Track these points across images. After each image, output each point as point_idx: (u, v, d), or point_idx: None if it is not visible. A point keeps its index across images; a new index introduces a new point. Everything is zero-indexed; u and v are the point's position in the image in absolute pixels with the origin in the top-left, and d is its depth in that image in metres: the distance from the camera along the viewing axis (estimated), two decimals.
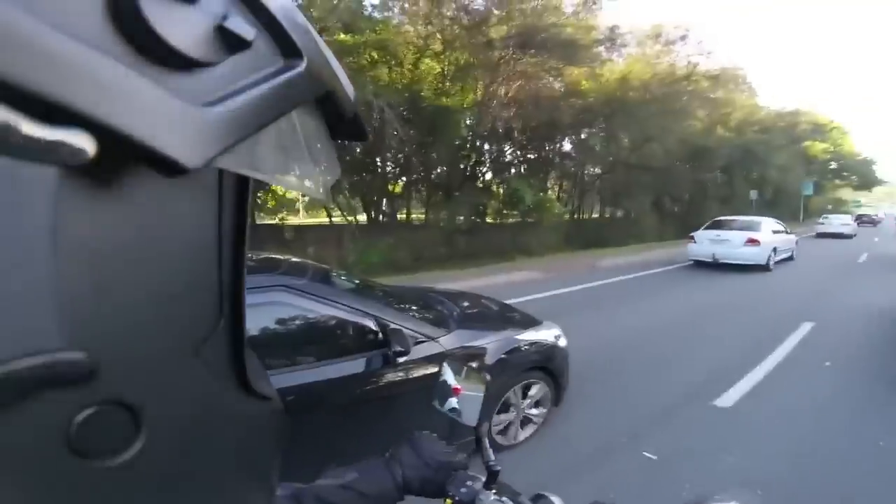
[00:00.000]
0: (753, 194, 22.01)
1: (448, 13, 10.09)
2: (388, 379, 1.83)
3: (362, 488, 0.64)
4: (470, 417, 0.88)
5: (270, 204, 11.05)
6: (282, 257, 2.28)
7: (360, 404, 1.79)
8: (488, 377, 0.86)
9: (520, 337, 2.32)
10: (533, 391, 2.43)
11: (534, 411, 2.48)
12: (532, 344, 2.35)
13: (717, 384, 3.30)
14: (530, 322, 2.53)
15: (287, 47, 0.21)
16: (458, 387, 0.88)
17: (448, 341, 2.02)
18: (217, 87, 0.18)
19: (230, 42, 0.18)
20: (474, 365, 0.93)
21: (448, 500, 0.70)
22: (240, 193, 0.24)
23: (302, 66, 0.21)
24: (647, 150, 14.80)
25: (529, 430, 2.48)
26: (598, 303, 6.09)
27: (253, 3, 0.20)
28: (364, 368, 1.79)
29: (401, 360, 1.77)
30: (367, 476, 0.66)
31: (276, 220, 11.10)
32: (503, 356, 2.17)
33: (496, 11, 10.05)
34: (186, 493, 0.24)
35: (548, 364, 2.43)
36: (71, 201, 0.16)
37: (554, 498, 0.68)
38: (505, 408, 2.31)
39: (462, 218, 10.96)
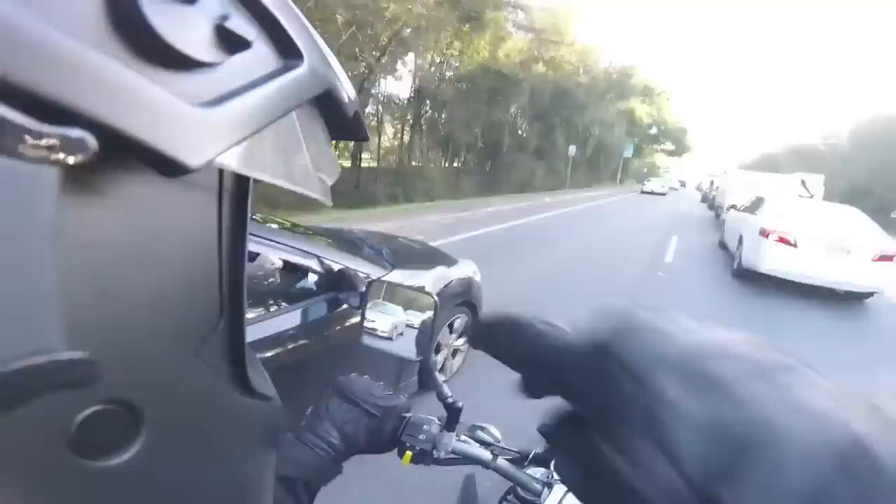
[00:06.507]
0: (572, 150, 21.12)
1: None
2: (340, 326, 1.78)
3: (282, 472, 0.49)
4: (412, 350, 0.76)
5: None
6: None
7: (312, 357, 1.67)
8: (435, 298, 0.80)
9: (450, 272, 2.47)
10: (457, 324, 2.64)
11: (460, 342, 2.70)
12: (460, 279, 2.53)
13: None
14: (451, 259, 2.70)
15: (287, 47, 0.21)
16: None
17: (393, 281, 2.04)
18: (217, 88, 0.18)
19: (230, 42, 0.18)
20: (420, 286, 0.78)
21: (407, 454, 0.60)
22: (240, 193, 0.24)
23: (302, 66, 0.21)
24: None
25: (460, 359, 2.70)
26: None
27: (253, 3, 0.20)
28: (323, 314, 1.72)
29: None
30: (283, 459, 0.50)
31: None
32: (440, 292, 2.29)
33: None
34: (186, 492, 0.24)
35: (470, 297, 2.65)
36: (71, 201, 0.16)
37: (491, 428, 0.68)
38: (436, 348, 2.46)
39: None
